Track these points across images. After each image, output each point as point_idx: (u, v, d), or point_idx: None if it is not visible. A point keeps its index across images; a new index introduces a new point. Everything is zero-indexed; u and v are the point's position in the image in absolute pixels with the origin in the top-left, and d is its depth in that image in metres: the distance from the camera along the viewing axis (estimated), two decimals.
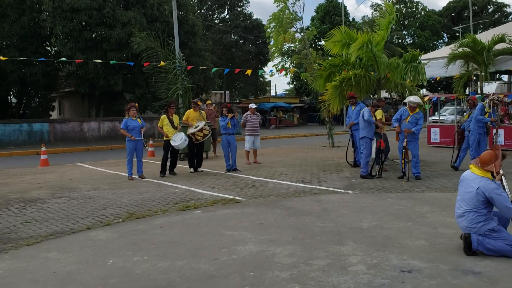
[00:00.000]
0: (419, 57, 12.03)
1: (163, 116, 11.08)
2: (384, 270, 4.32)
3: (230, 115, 11.39)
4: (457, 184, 6.50)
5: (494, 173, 4.72)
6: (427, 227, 5.80)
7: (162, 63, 14.99)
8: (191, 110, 11.73)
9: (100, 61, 15.41)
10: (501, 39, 14.40)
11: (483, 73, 15.14)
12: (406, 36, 50.30)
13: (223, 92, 41.05)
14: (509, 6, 54.22)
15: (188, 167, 11.59)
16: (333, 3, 42.40)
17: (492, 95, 15.29)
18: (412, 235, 5.44)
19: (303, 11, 17.96)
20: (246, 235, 5.63)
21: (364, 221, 6.16)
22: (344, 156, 12.57)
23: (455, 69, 15.98)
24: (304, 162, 13.05)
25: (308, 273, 4.28)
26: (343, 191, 8.59)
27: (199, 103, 12.16)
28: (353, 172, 10.93)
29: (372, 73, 12.06)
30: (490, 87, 29.01)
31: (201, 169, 11.58)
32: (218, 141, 14.71)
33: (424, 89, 43.05)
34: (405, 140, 9.60)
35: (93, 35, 22.98)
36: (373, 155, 10.53)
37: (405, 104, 10.36)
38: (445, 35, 52.77)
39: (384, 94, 16.16)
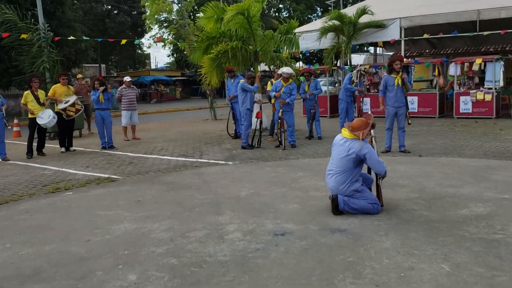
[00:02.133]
0: (294, 29, 12.43)
1: (27, 92, 10.07)
2: (259, 235, 4.45)
3: (101, 88, 10.75)
4: (328, 150, 6.91)
5: (361, 138, 5.00)
6: (300, 191, 6.09)
7: (23, 35, 13.53)
8: (58, 84, 10.77)
9: None
10: (363, 11, 15.46)
11: (350, 45, 16.17)
12: (283, 10, 51.66)
13: (98, 65, 38.62)
14: None
15: (59, 146, 10.80)
16: None
17: (359, 66, 16.53)
18: (286, 200, 5.67)
19: None
20: (122, 213, 5.41)
21: (243, 190, 6.29)
22: (226, 129, 12.68)
23: (327, 42, 16.87)
24: (185, 136, 12.91)
25: (185, 246, 4.24)
26: (223, 162, 8.67)
27: (66, 77, 11.13)
28: (234, 143, 11.09)
29: (251, 46, 12.19)
30: (359, 58, 31.16)
31: (73, 148, 10.85)
32: (92, 118, 13.90)
33: (300, 62, 44.89)
34: (281, 110, 9.95)
35: None
36: (254, 126, 10.77)
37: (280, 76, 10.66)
38: (318, 8, 55.12)
39: (263, 67, 16.50)
